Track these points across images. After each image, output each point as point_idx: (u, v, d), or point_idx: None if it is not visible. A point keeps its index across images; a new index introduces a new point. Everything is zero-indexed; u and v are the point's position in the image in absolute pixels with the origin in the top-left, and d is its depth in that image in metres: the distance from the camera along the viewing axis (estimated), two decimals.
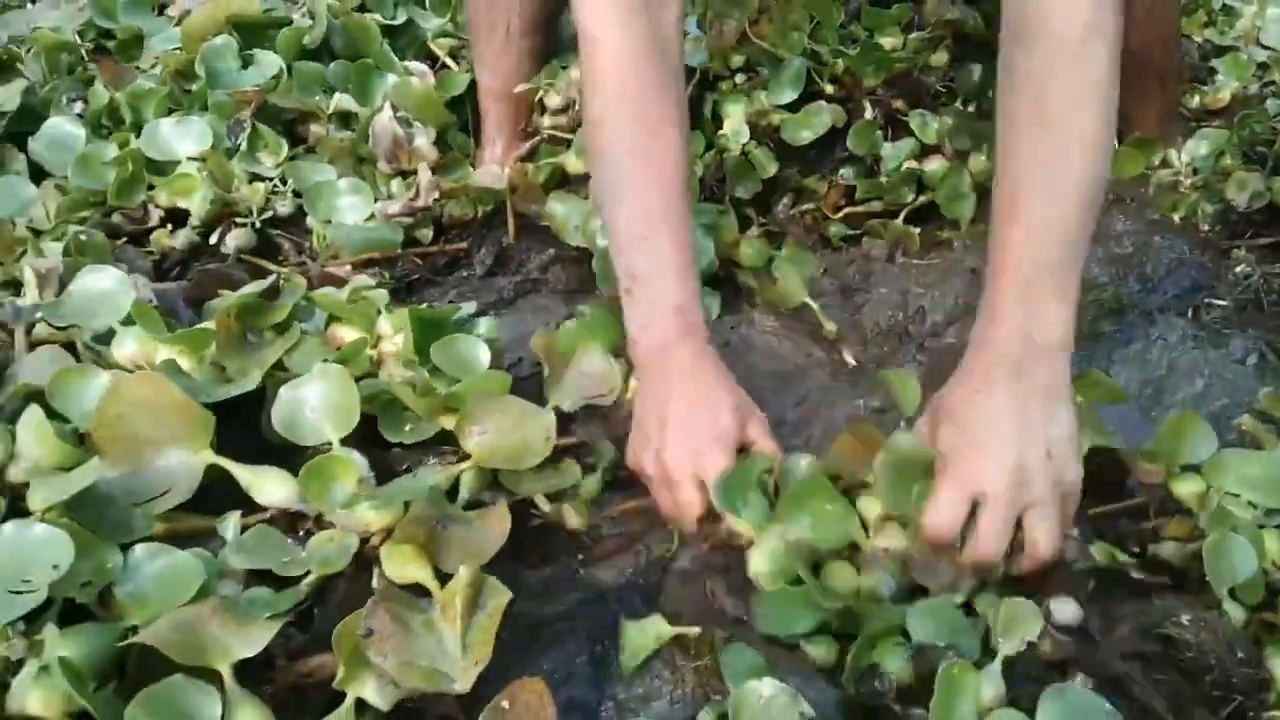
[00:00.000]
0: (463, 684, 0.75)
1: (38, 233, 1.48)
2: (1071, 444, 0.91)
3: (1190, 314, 1.33)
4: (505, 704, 0.74)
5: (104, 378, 0.92)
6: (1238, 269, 1.38)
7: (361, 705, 0.77)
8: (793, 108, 1.56)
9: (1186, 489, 1.01)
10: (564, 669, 0.93)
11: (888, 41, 1.60)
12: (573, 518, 1.06)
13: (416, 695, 0.81)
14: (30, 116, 1.68)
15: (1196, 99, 1.81)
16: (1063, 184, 0.94)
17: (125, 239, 1.47)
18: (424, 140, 1.58)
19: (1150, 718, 0.81)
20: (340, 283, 1.31)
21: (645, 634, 0.92)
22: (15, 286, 1.39)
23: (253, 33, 1.73)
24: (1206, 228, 1.49)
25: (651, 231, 1.05)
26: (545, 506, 1.05)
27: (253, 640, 0.76)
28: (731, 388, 1.06)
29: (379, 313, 1.16)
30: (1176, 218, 1.53)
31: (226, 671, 0.74)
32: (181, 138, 1.46)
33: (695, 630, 0.92)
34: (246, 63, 1.68)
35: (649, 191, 1.06)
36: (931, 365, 1.30)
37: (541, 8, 1.62)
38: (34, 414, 0.85)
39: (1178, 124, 1.75)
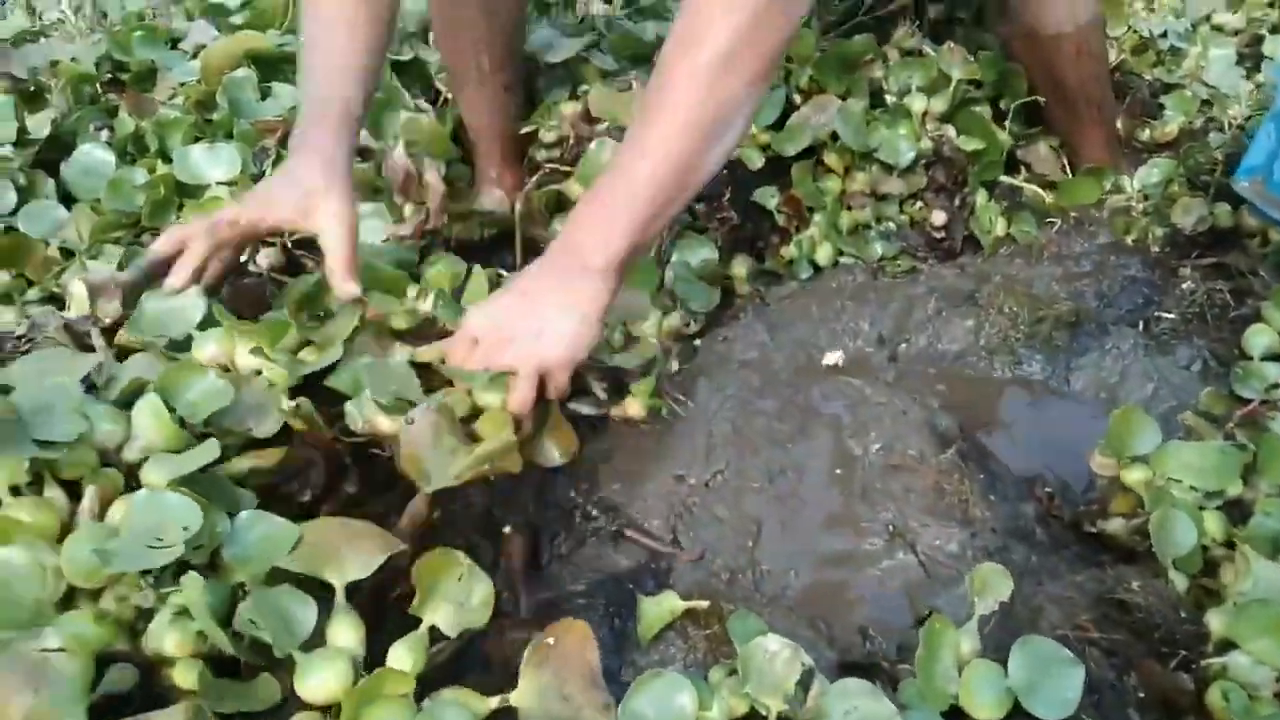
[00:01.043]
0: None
1: (70, 253, 1.58)
2: (565, 340, 1.08)
3: (1141, 326, 1.47)
4: (550, 640, 0.84)
5: (210, 374, 1.03)
6: (1184, 285, 1.52)
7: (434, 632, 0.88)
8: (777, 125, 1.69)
9: (1135, 477, 1.14)
10: None
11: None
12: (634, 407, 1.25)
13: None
14: (57, 144, 1.78)
15: (1147, 133, 1.96)
16: (655, 144, 1.04)
17: None
18: (434, 175, 1.67)
19: (1107, 668, 0.93)
20: None
21: (660, 608, 1.02)
22: (55, 301, 1.49)
23: (269, 66, 1.83)
24: (1156, 248, 1.63)
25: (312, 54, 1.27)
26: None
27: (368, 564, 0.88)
28: (322, 166, 1.19)
29: None
30: (1129, 239, 1.66)
31: (340, 586, 0.85)
32: (212, 163, 1.56)
33: (704, 604, 1.03)
34: (264, 94, 1.78)
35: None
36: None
37: (508, 44, 1.74)
38: (153, 402, 0.96)
39: (1123, 151, 1.90)
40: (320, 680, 0.80)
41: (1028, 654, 0.87)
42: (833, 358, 1.45)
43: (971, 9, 1.94)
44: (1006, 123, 1.74)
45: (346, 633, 0.83)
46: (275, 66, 1.85)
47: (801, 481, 1.24)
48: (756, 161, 1.64)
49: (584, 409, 1.23)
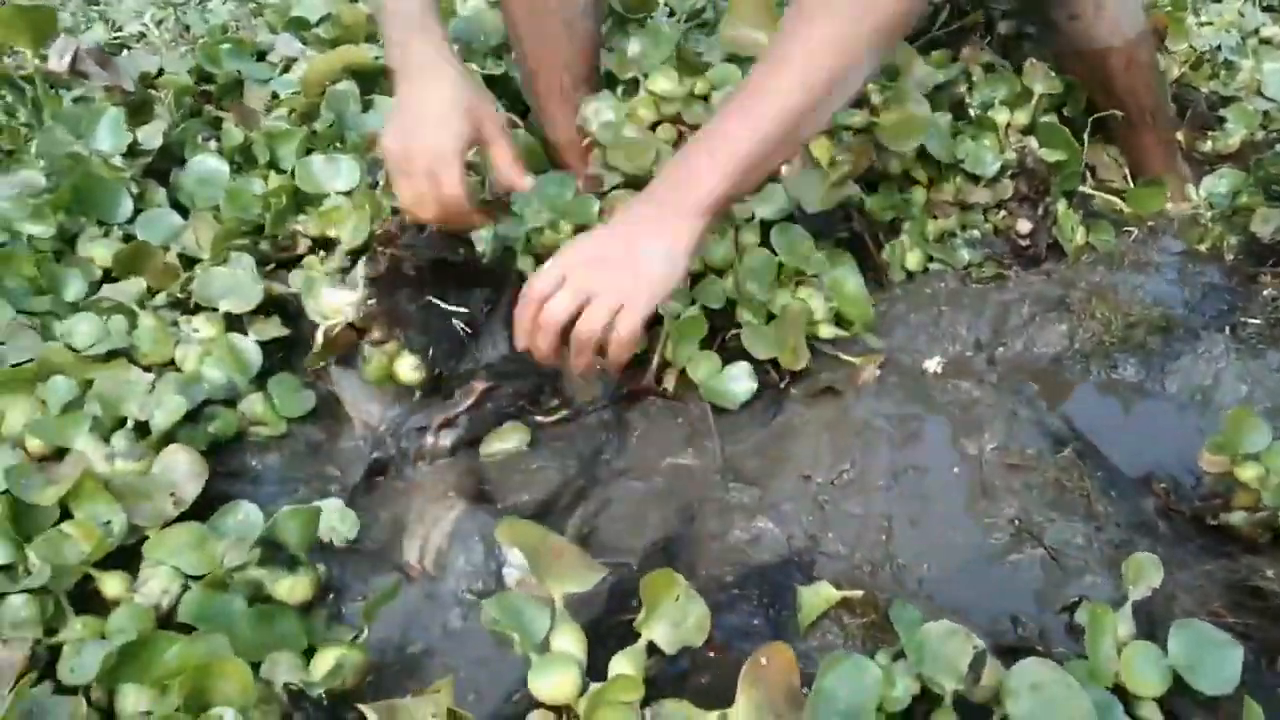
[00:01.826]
0: None
1: (190, 260, 1.63)
2: (658, 276, 1.12)
3: (1229, 331, 1.53)
4: (763, 660, 0.90)
5: None
6: (1265, 292, 1.58)
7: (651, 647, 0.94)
8: None
9: (1250, 473, 1.20)
10: (744, 627, 1.09)
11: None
12: None
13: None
14: (164, 154, 1.84)
15: (1209, 144, 2.03)
16: (770, 93, 1.09)
17: (273, 264, 1.62)
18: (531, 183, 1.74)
19: (1247, 651, 0.99)
20: None
21: (818, 596, 1.09)
22: (181, 307, 1.55)
23: (368, 78, 1.89)
24: (1231, 257, 1.70)
25: None
26: None
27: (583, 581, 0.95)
28: (466, 85, 1.22)
29: None
30: (1203, 248, 1.74)
31: (558, 596, 0.91)
32: (332, 174, 1.63)
33: (859, 593, 1.09)
34: (366, 106, 1.84)
35: None
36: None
37: (588, 61, 1.80)
38: None
39: (1181, 158, 1.96)
40: (554, 682, 0.86)
41: (1186, 635, 0.93)
42: (934, 364, 1.51)
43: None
44: (1085, 134, 1.81)
45: (570, 640, 0.89)
46: (374, 79, 1.91)
47: (924, 480, 1.30)
48: None
49: None
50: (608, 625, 1.05)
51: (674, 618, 0.92)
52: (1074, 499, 1.24)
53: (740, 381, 1.40)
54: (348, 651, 1.00)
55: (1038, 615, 1.10)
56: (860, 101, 1.60)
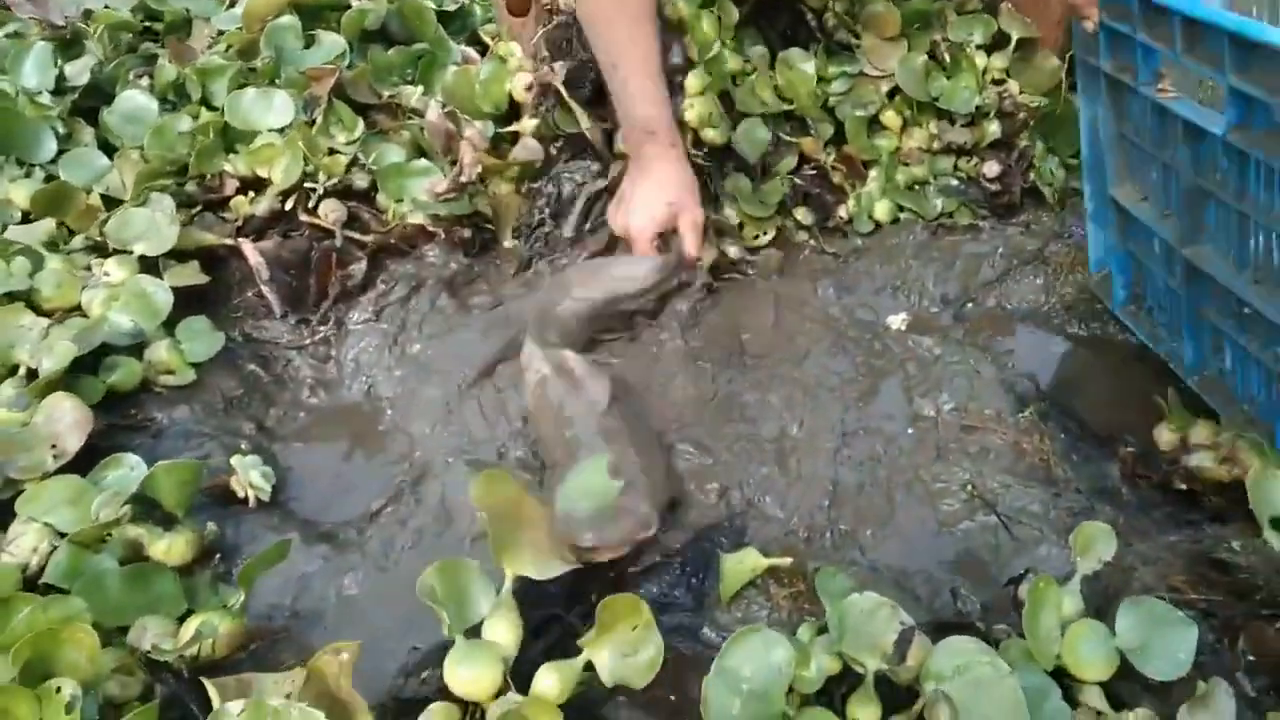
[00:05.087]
0: None
1: (113, 200, 1.54)
2: (650, 206, 1.38)
3: None
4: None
5: None
6: None
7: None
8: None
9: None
10: (666, 597, 1.00)
11: None
12: None
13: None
14: (95, 92, 1.74)
15: None
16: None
17: (200, 206, 1.53)
18: (474, 131, 1.61)
19: (1206, 630, 0.89)
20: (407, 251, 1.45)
21: (742, 565, 0.99)
22: (99, 251, 1.46)
23: (312, 14, 1.79)
24: None
25: (620, 61, 1.39)
26: None
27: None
28: (677, 183, 1.40)
29: None
30: None
31: (510, 576, 0.83)
32: (264, 110, 1.53)
33: (787, 561, 1.00)
34: (309, 42, 1.74)
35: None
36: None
37: None
38: None
39: None
40: (472, 676, 0.77)
41: (1136, 614, 0.84)
42: (898, 320, 1.41)
43: None
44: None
45: (505, 630, 0.80)
46: (317, 15, 1.80)
47: (875, 442, 1.21)
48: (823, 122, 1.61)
49: None
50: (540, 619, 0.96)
51: (625, 649, 0.82)
52: (1033, 463, 1.15)
53: None
54: (214, 616, 0.92)
55: (982, 589, 1.01)
56: None
